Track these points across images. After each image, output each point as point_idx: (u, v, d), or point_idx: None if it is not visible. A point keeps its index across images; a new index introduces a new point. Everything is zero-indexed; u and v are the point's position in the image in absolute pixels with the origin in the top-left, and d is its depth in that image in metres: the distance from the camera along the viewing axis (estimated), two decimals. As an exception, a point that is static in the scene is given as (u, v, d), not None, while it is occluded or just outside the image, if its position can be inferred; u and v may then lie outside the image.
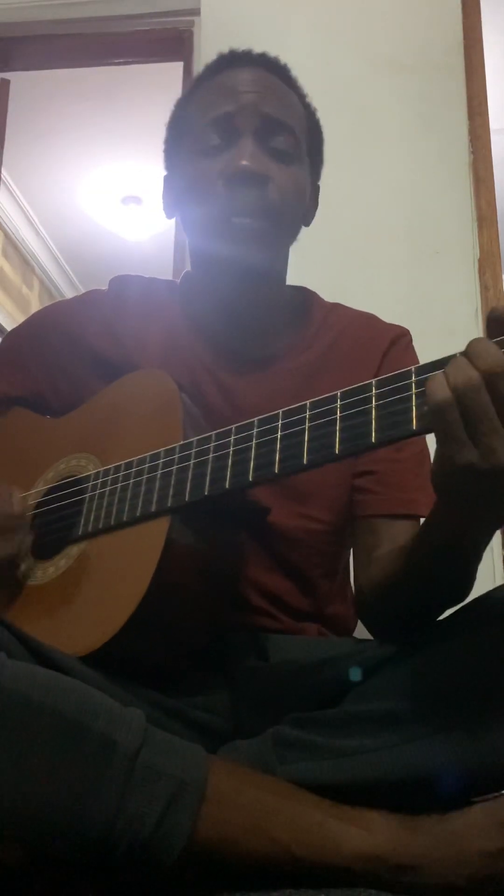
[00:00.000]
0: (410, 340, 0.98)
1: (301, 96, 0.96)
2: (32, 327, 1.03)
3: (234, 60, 0.93)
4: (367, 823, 0.62)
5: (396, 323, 1.00)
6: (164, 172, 1.01)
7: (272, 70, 0.93)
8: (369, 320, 1.00)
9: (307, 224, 0.97)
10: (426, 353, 0.98)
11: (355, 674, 0.74)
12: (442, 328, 1.86)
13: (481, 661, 0.65)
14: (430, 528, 0.70)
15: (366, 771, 0.65)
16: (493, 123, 2.09)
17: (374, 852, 0.60)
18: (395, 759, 0.64)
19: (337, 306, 1.02)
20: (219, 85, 0.92)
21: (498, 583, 0.73)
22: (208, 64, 0.95)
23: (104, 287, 1.04)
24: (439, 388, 0.56)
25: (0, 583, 0.82)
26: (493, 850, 0.60)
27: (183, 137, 0.95)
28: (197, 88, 0.95)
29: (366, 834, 0.61)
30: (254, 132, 0.88)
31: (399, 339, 0.97)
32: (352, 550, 0.92)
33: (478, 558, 0.70)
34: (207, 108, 0.91)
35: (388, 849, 0.60)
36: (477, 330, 1.89)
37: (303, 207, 0.94)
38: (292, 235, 0.94)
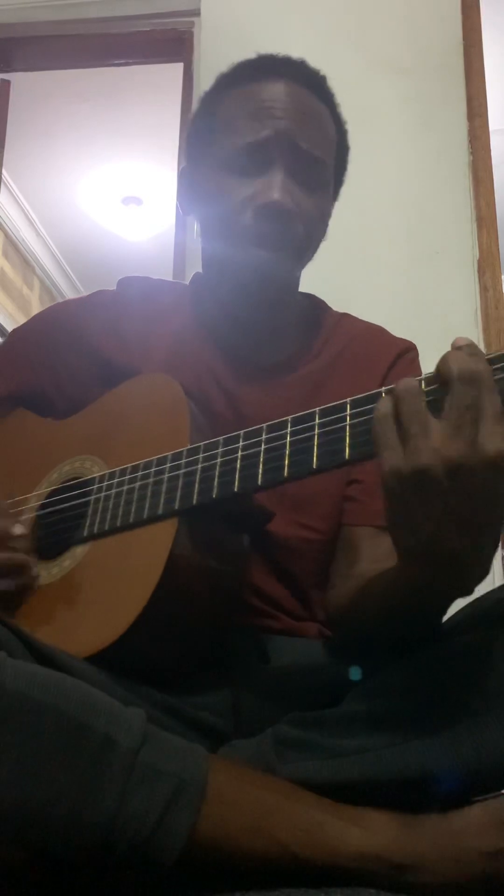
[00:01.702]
0: (417, 355, 0.98)
1: (333, 109, 0.94)
2: (37, 326, 1.03)
3: (272, 68, 0.91)
4: (367, 823, 0.62)
5: (396, 322, 1.01)
6: (183, 164, 1.00)
7: (310, 85, 0.90)
8: (377, 333, 1.00)
9: (322, 241, 0.98)
10: (426, 353, 0.98)
11: (355, 674, 0.74)
12: (442, 328, 1.86)
13: (481, 661, 0.65)
14: (391, 583, 0.68)
15: (366, 771, 0.65)
16: (493, 124, 2.10)
17: (374, 852, 0.60)
18: (395, 759, 0.64)
19: (346, 316, 1.02)
20: (254, 98, 0.89)
21: (498, 583, 0.73)
22: (246, 61, 0.93)
23: (105, 287, 1.03)
24: (384, 399, 0.59)
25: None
26: (492, 849, 0.60)
27: (210, 142, 0.92)
28: (230, 88, 0.92)
29: (366, 834, 0.61)
30: (286, 163, 0.86)
31: (405, 353, 0.97)
32: (333, 560, 0.91)
33: (436, 617, 0.70)
34: (240, 127, 0.88)
35: (388, 849, 0.60)
36: (476, 330, 1.89)
37: (324, 233, 0.94)
38: (311, 259, 0.94)
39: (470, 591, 0.62)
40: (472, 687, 0.64)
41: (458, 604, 0.69)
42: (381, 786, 0.64)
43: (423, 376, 0.60)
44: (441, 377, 0.57)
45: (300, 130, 0.87)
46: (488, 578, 0.61)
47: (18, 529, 0.81)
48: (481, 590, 0.70)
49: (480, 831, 0.61)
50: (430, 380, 0.59)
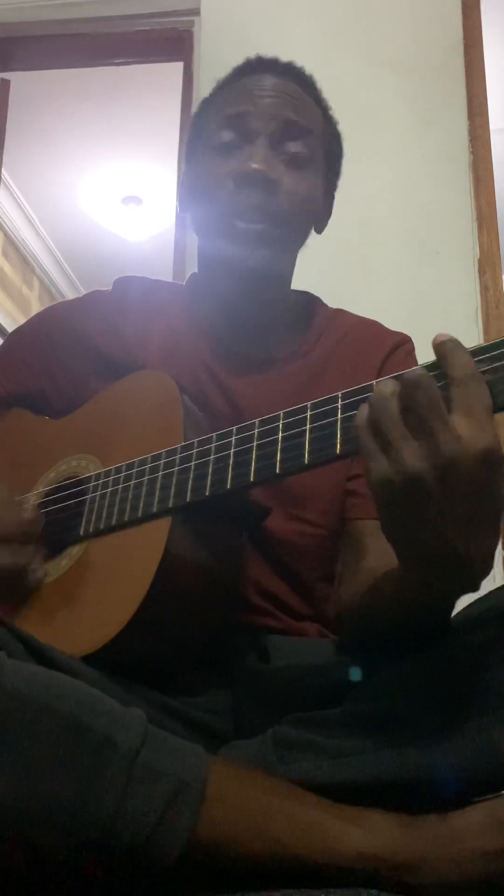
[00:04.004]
0: (412, 348, 0.98)
1: (324, 109, 0.96)
2: (35, 326, 1.03)
3: (259, 66, 0.94)
4: (367, 823, 0.62)
5: (396, 322, 1.01)
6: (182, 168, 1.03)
7: (296, 80, 0.93)
8: (372, 326, 1.01)
9: (319, 231, 0.97)
10: (426, 353, 0.98)
11: (355, 674, 0.74)
12: (442, 328, 1.85)
13: (481, 661, 0.65)
14: (398, 582, 0.67)
15: (366, 771, 0.65)
16: (493, 123, 2.10)
17: (374, 852, 0.60)
18: (395, 759, 0.64)
19: (340, 311, 1.02)
20: (240, 86, 0.92)
21: (498, 583, 0.73)
22: (236, 66, 0.96)
23: (105, 287, 1.04)
24: (361, 406, 0.58)
25: (9, 587, 0.82)
26: (492, 849, 0.60)
27: (200, 134, 0.95)
28: (221, 89, 0.96)
29: (366, 834, 0.61)
30: (269, 135, 0.88)
31: (400, 345, 0.97)
32: (340, 556, 0.91)
33: (444, 613, 0.69)
34: (224, 107, 0.91)
35: (388, 849, 0.60)
36: (477, 330, 1.89)
37: (313, 214, 0.94)
38: (300, 241, 0.94)
39: (476, 587, 0.61)
40: (473, 687, 0.64)
41: (459, 604, 0.69)
42: (382, 786, 0.64)
43: (396, 375, 0.59)
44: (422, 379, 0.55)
45: (282, 105, 0.90)
46: (489, 579, 0.61)
47: (30, 514, 0.80)
48: (481, 590, 0.70)
49: (481, 832, 0.61)
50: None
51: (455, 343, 0.56)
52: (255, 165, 0.86)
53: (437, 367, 0.57)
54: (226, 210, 0.87)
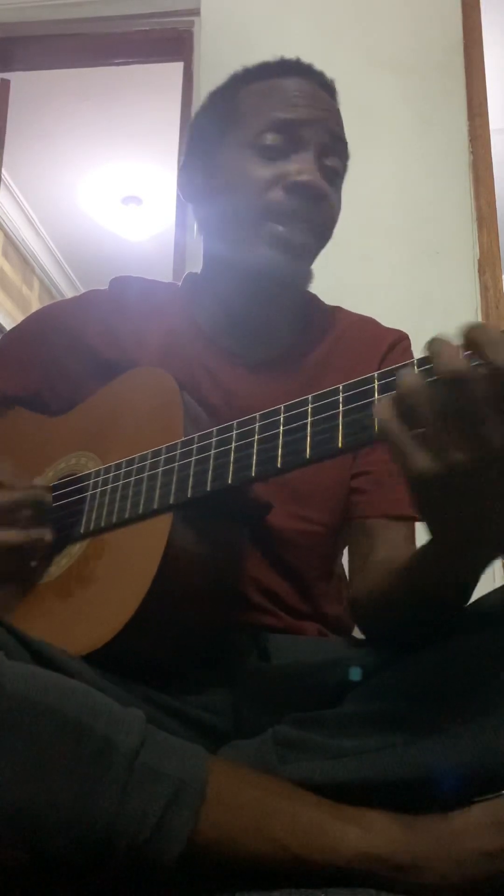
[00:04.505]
0: (409, 345, 0.98)
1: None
2: (31, 326, 1.03)
3: (295, 68, 0.93)
4: (367, 823, 0.62)
5: (397, 322, 1.01)
6: (182, 160, 1.01)
7: (329, 92, 0.94)
8: (369, 324, 1.01)
9: None
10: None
11: (355, 674, 0.74)
12: (442, 328, 1.84)
13: (481, 662, 0.65)
14: (425, 554, 0.67)
15: (366, 771, 0.65)
16: (493, 123, 2.10)
17: (374, 852, 0.60)
18: (395, 759, 0.64)
19: (337, 310, 1.02)
20: (281, 88, 0.90)
21: (498, 583, 0.73)
22: (264, 63, 0.94)
23: (104, 287, 1.04)
24: (383, 403, 0.56)
25: (9, 587, 0.82)
26: (492, 849, 0.60)
27: (228, 129, 0.92)
28: (250, 84, 0.93)
29: (366, 834, 0.61)
30: (318, 148, 0.88)
31: (398, 342, 0.97)
32: (347, 553, 0.92)
33: (474, 582, 0.68)
34: (269, 107, 0.89)
35: (388, 849, 0.60)
36: (477, 330, 1.88)
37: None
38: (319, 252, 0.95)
39: None
40: (473, 687, 0.64)
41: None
42: (382, 786, 0.64)
43: (416, 363, 0.57)
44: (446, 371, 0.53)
45: (330, 118, 0.90)
46: (488, 578, 0.61)
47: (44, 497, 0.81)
48: (481, 590, 0.70)
49: (481, 832, 0.61)
50: (425, 367, 0.56)
51: (496, 332, 0.53)
52: (309, 177, 0.86)
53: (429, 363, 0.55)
54: (268, 215, 0.87)
